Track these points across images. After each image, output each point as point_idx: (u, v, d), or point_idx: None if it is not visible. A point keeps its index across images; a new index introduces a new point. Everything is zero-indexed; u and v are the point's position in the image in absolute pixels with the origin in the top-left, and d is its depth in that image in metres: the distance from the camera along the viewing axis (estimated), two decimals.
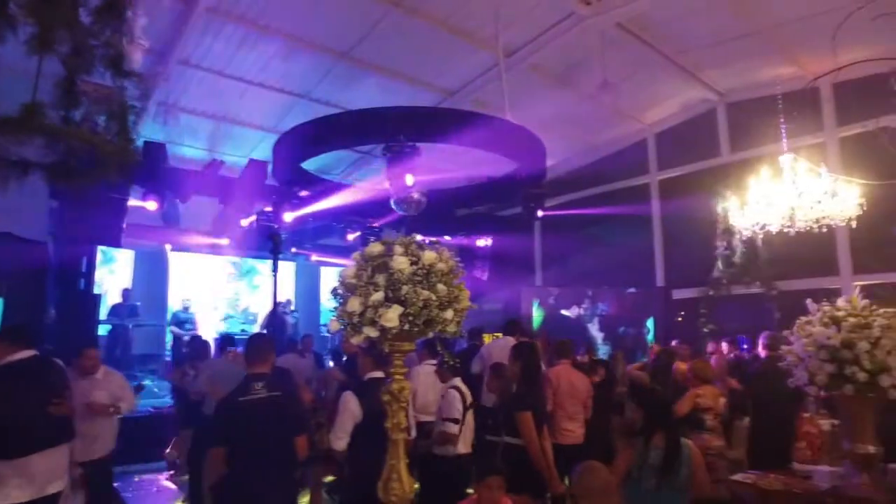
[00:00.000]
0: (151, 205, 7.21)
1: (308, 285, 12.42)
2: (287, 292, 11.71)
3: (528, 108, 8.92)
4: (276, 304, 5.20)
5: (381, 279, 1.87)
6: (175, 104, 9.28)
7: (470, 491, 3.36)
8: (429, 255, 1.92)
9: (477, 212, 10.84)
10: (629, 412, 3.27)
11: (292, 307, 11.16)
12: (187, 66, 8.64)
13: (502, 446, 3.60)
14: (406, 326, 1.84)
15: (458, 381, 4.23)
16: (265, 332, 8.63)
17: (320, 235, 11.29)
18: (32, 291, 5.93)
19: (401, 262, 1.87)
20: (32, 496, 3.00)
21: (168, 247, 9.13)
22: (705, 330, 9.73)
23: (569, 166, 12.19)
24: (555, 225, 11.99)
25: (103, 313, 8.38)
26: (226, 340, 6.08)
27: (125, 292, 9.38)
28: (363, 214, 9.21)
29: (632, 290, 10.93)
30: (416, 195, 6.45)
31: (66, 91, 2.46)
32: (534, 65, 9.20)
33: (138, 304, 9.31)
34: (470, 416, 4.05)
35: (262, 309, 11.20)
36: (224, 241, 9.40)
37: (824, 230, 5.38)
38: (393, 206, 6.60)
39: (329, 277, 12.79)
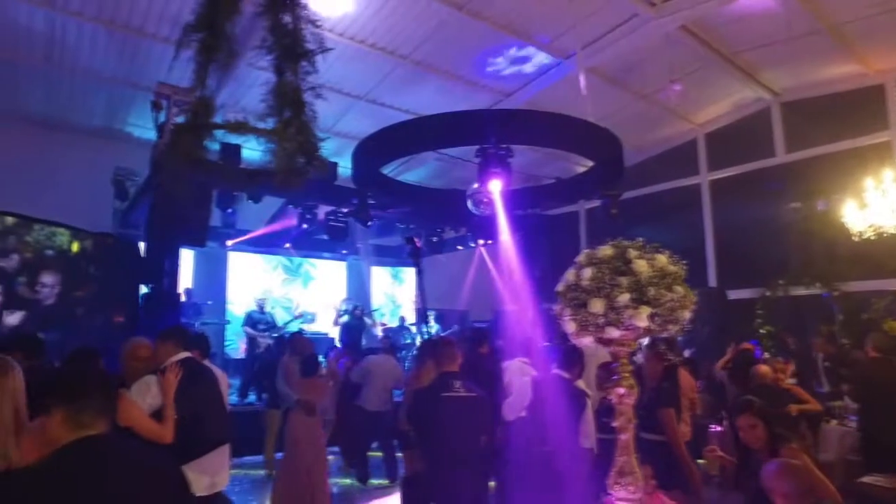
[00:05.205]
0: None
1: (358, 285, 12.58)
2: (340, 292, 11.91)
3: (582, 108, 9.00)
4: (424, 306, 5.30)
5: (624, 281, 1.95)
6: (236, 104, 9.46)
7: None
8: (661, 258, 2.00)
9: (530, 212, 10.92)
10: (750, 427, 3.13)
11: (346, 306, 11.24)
12: (252, 67, 8.80)
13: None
14: (652, 326, 1.92)
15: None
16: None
17: (373, 235, 11.43)
18: (127, 288, 6.10)
19: (641, 265, 1.95)
20: (207, 491, 3.13)
21: (229, 243, 9.34)
22: (762, 331, 9.73)
23: None
24: (600, 225, 12.01)
25: None
26: None
27: (188, 291, 9.54)
28: (432, 217, 9.29)
29: None
30: (492, 196, 6.53)
31: (283, 94, 2.58)
32: (591, 67, 9.24)
33: (209, 302, 9.47)
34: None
35: (319, 309, 11.35)
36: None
37: None
38: (470, 207, 6.69)
39: (379, 277, 13.01)
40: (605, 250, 2.06)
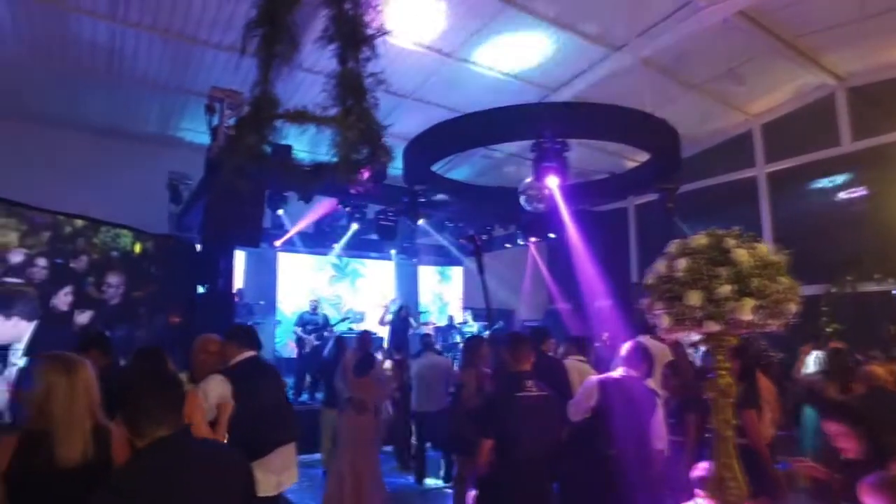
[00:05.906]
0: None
1: (406, 284, 12.60)
2: (388, 291, 11.95)
3: (632, 101, 8.72)
4: (488, 305, 5.23)
5: (723, 272, 1.81)
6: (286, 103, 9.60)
7: None
8: (762, 247, 1.85)
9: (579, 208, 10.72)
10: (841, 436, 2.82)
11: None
12: (300, 69, 8.89)
13: None
14: (756, 320, 1.78)
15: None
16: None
17: (421, 234, 11.43)
18: (184, 288, 6.22)
19: (742, 255, 1.81)
20: (275, 490, 3.13)
21: (277, 243, 9.54)
22: (828, 330, 9.22)
23: None
24: (651, 221, 11.69)
25: None
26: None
27: (240, 292, 9.71)
28: (482, 215, 9.19)
29: None
30: (547, 191, 6.38)
31: (346, 83, 2.55)
32: (643, 57, 8.95)
33: (262, 302, 9.64)
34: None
35: (368, 308, 11.42)
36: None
37: None
38: (523, 203, 6.55)
39: (427, 276, 13.01)
40: (699, 239, 1.92)
